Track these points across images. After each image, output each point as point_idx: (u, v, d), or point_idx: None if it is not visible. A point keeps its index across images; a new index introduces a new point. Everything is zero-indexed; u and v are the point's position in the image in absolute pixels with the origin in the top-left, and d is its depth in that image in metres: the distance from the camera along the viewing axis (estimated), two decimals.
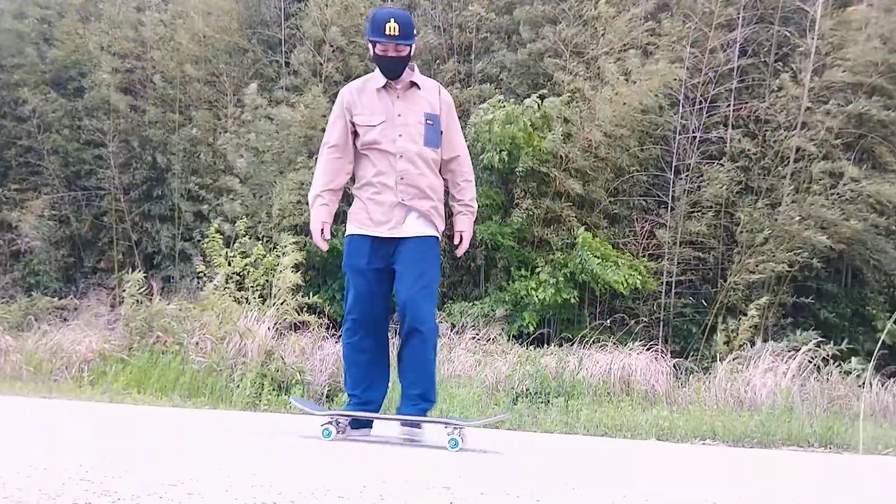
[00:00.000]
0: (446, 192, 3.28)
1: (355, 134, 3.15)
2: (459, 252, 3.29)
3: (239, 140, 8.46)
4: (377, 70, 3.15)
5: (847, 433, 4.75)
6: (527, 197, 7.64)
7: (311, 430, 3.32)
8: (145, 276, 6.79)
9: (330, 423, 2.96)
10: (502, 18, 8.76)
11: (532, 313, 7.10)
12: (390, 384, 3.31)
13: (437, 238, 3.19)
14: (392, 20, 3.00)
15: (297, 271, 6.89)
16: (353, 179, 3.26)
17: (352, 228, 3.16)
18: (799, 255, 6.98)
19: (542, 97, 7.61)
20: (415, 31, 3.09)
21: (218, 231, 7.03)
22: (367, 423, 3.18)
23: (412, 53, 3.09)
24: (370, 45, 3.09)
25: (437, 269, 3.19)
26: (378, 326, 3.13)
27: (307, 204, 3.29)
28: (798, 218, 6.95)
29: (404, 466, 2.22)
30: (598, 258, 7.04)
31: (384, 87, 3.13)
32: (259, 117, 8.33)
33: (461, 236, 3.26)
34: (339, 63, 8.84)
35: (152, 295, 6.85)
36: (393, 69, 3.09)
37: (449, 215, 3.32)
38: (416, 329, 3.03)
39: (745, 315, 6.68)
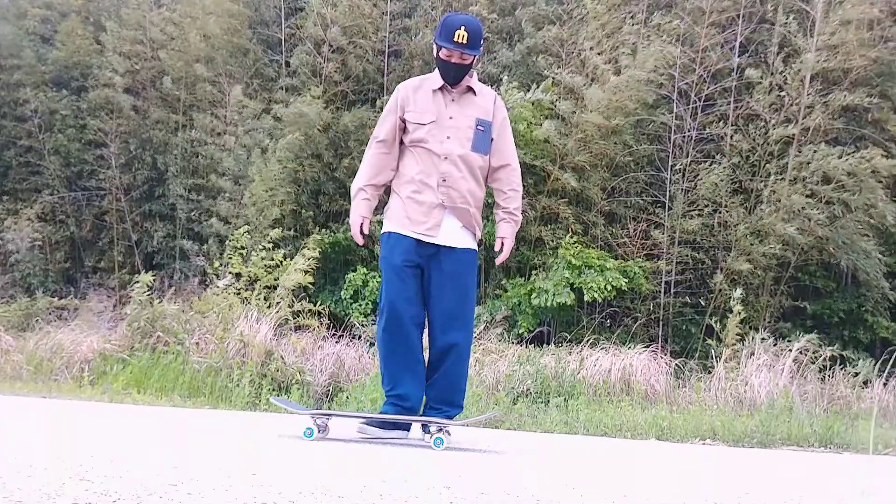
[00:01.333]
0: (488, 204, 3.26)
1: (404, 130, 3.15)
2: (500, 260, 3.27)
3: (232, 138, 8.47)
4: (436, 71, 3.16)
5: (847, 433, 4.75)
6: (524, 199, 7.61)
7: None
8: (153, 277, 6.79)
9: (312, 422, 2.93)
10: (503, 19, 8.77)
11: (528, 318, 7.07)
12: None
13: (476, 251, 3.21)
14: (463, 28, 3.00)
15: (306, 273, 6.88)
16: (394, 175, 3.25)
17: (389, 226, 3.14)
18: (773, 249, 6.95)
19: (528, 87, 7.61)
20: (482, 41, 3.10)
21: (245, 233, 7.02)
22: (405, 426, 3.15)
23: (475, 62, 3.11)
24: (435, 47, 3.10)
25: (475, 282, 3.21)
26: (412, 325, 3.09)
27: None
28: (771, 209, 6.95)
29: (404, 466, 2.22)
30: (578, 266, 7.00)
31: (440, 88, 3.13)
32: (251, 117, 8.31)
33: (502, 243, 3.23)
34: (338, 63, 8.84)
35: (153, 295, 6.87)
36: (455, 75, 3.09)
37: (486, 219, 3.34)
38: (454, 345, 3.07)
39: (735, 316, 6.68)
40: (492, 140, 3.17)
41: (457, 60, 3.04)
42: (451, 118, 3.10)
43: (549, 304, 6.92)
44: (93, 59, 9.38)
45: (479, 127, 3.11)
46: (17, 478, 1.53)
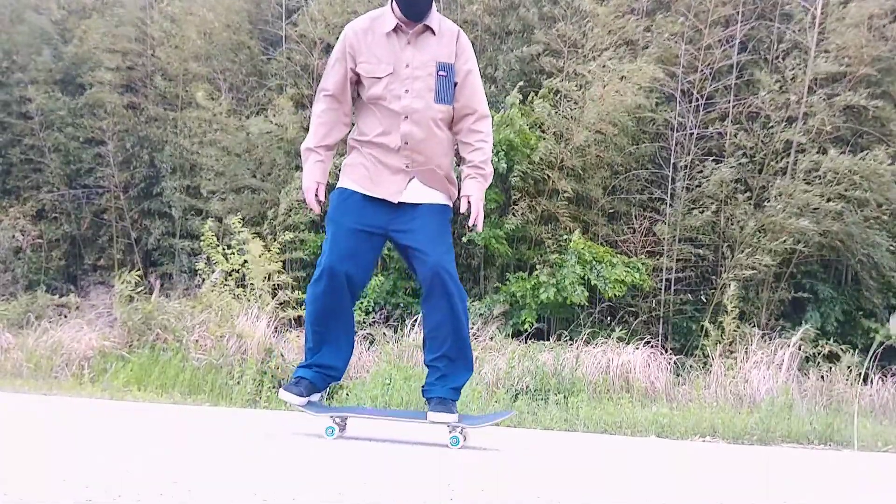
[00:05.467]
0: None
1: (358, 82, 2.79)
2: (474, 221, 2.79)
3: (206, 138, 8.47)
4: (387, 7, 2.74)
5: (847, 430, 4.75)
6: (524, 198, 7.62)
7: (311, 428, 3.32)
8: (141, 275, 6.79)
9: (331, 421, 2.90)
10: (500, 19, 8.75)
11: (530, 312, 7.07)
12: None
13: (449, 207, 2.89)
14: None
15: (274, 263, 6.82)
16: (354, 126, 2.91)
17: (346, 182, 2.82)
18: (785, 243, 6.94)
19: (525, 95, 7.61)
20: None
21: (210, 230, 7.02)
22: (324, 388, 2.96)
23: None
24: None
25: (450, 234, 2.86)
26: (350, 292, 2.79)
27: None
28: (781, 206, 6.96)
29: (405, 463, 2.22)
30: (589, 261, 7.01)
31: (394, 29, 2.72)
32: (224, 120, 8.28)
33: (468, 201, 2.79)
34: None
35: (151, 292, 6.87)
36: (419, 7, 2.68)
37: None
38: (447, 289, 2.70)
39: (728, 313, 6.69)
40: (455, 84, 2.77)
41: None
42: (407, 66, 2.70)
43: (559, 300, 6.90)
44: (91, 57, 9.37)
45: (440, 72, 2.71)
46: (17, 476, 1.54)
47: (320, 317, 2.81)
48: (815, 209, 6.90)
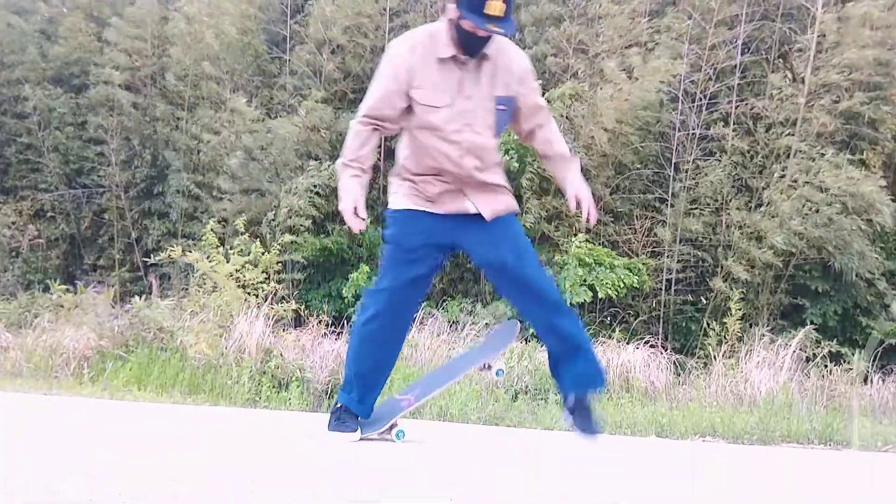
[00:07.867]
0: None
1: (408, 108, 2.52)
2: (589, 217, 2.58)
3: (229, 139, 8.46)
4: (443, 27, 2.48)
5: (847, 430, 4.76)
6: (533, 198, 7.62)
7: (310, 428, 3.32)
8: (141, 275, 6.77)
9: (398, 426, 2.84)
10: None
11: None
12: None
13: (516, 215, 2.72)
14: None
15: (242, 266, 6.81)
16: (392, 155, 2.70)
17: (400, 202, 2.60)
18: (766, 254, 6.94)
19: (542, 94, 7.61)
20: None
21: (213, 230, 7.01)
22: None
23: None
24: (451, 7, 2.41)
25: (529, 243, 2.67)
26: (406, 314, 2.68)
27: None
28: (766, 215, 6.96)
29: (405, 464, 2.22)
30: (590, 264, 7.02)
31: (451, 57, 2.46)
32: (249, 123, 8.28)
33: (577, 199, 2.57)
34: (338, 63, 8.81)
35: (150, 292, 6.86)
36: (477, 48, 2.45)
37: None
38: (571, 333, 2.63)
39: (731, 313, 6.69)
40: (520, 109, 2.60)
41: (483, 34, 2.40)
42: (466, 97, 2.48)
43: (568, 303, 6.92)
44: (94, 56, 9.36)
45: (500, 106, 2.52)
46: (19, 475, 1.54)
47: (373, 350, 2.62)
48: (792, 217, 6.88)
